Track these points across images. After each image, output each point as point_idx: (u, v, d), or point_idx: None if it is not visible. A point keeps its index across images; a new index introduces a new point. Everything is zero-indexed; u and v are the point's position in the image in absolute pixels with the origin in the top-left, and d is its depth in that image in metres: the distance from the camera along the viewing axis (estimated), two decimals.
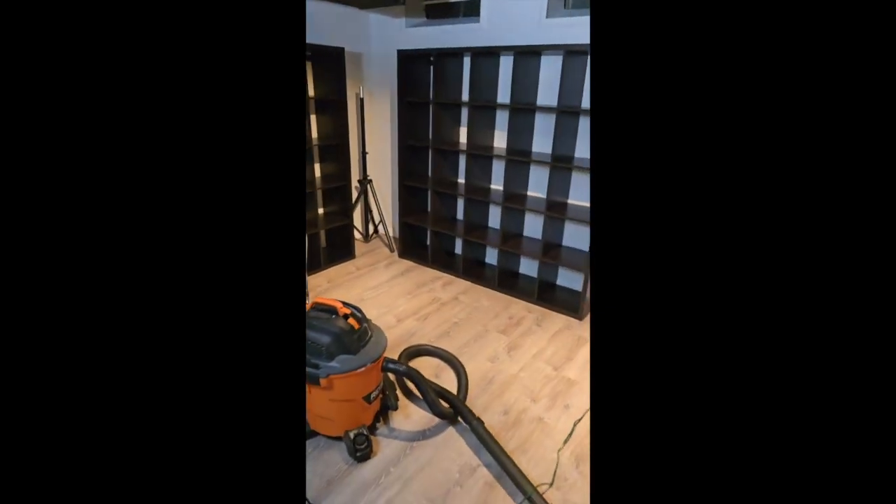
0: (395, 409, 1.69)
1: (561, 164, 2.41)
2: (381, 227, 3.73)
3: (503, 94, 2.78)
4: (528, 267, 3.06)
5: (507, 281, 2.93)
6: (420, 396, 1.90)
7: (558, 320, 2.59)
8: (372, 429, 1.70)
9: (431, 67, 2.94)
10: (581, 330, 2.50)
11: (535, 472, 1.57)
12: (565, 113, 2.41)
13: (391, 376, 1.95)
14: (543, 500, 1.38)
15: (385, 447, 1.65)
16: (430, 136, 3.01)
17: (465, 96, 2.94)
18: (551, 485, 1.53)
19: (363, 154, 3.46)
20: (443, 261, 3.22)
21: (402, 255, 3.39)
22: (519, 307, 2.73)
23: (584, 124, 2.54)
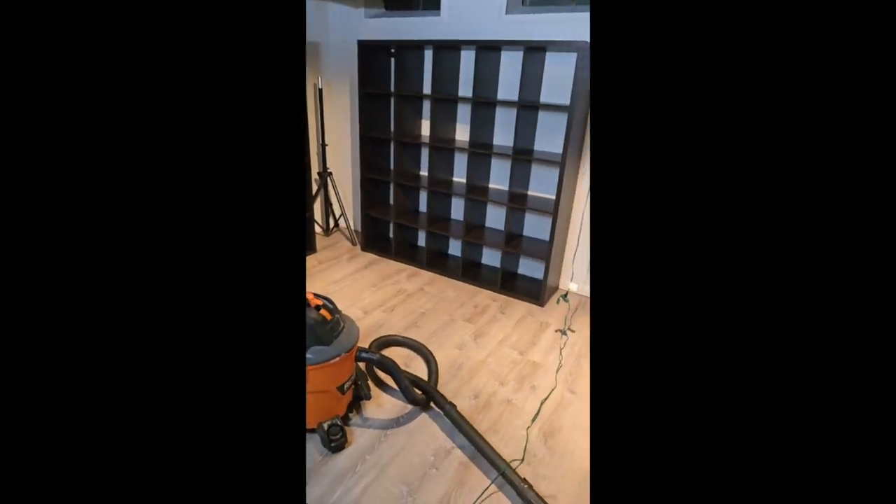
0: (368, 398, 1.70)
1: (521, 156, 2.50)
2: (342, 221, 3.68)
3: (465, 88, 2.83)
4: (491, 257, 3.14)
5: (470, 271, 3.00)
6: (392, 385, 1.92)
7: (521, 307, 2.69)
8: (345, 419, 1.70)
9: (393, 59, 2.93)
10: (543, 316, 2.61)
11: (507, 449, 1.64)
12: (525, 107, 2.49)
13: (362, 366, 1.95)
14: (516, 474, 1.45)
15: (359, 436, 1.66)
16: (392, 129, 3.01)
17: (427, 89, 2.96)
18: (522, 460, 1.60)
19: (322, 146, 3.39)
20: (406, 253, 3.24)
21: (365, 248, 3.37)
22: (483, 296, 2.80)
23: (543, 118, 2.64)
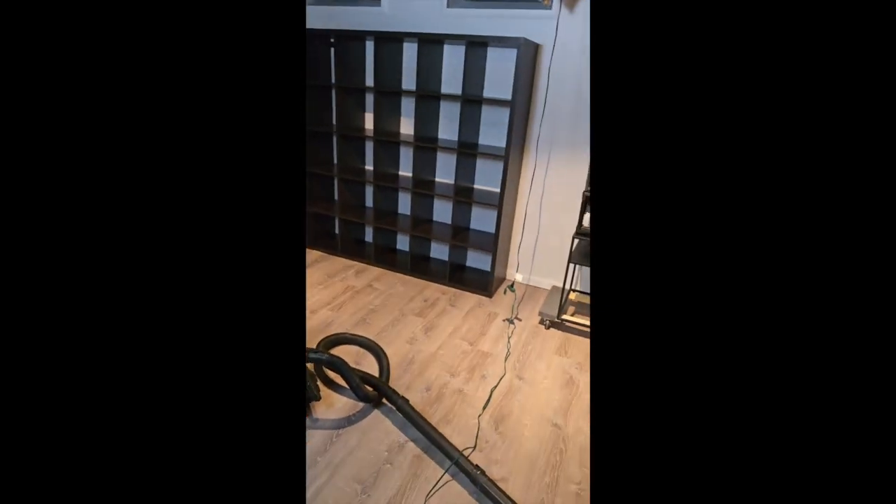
0: (318, 399, 1.66)
1: (466, 150, 2.53)
2: None
3: (408, 81, 2.81)
4: (440, 251, 3.16)
5: (419, 265, 3.00)
6: (343, 384, 1.89)
7: (471, 299, 2.74)
8: None
9: (332, 49, 2.84)
10: (491, 306, 2.68)
11: (460, 438, 1.68)
12: (469, 102, 2.52)
13: (311, 367, 1.90)
14: (469, 461, 1.48)
15: (310, 438, 1.62)
16: (335, 122, 2.93)
17: (370, 81, 2.90)
18: (475, 447, 1.64)
19: None
20: (353, 249, 3.18)
21: (309, 245, 3.26)
22: (433, 290, 2.82)
23: (487, 113, 2.69)
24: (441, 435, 1.57)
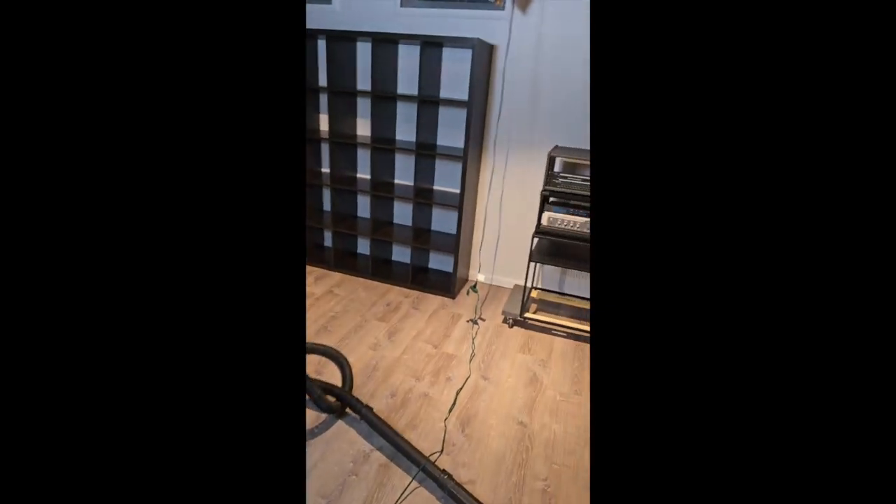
0: None
1: (425, 151, 2.51)
2: None
3: (363, 82, 2.76)
4: (401, 254, 3.13)
5: (381, 269, 2.95)
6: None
7: (434, 301, 2.72)
8: None
9: None
10: (455, 308, 2.67)
11: (426, 443, 1.66)
12: (426, 102, 2.50)
13: None
14: (436, 467, 1.46)
15: None
16: None
17: (323, 82, 2.82)
18: (441, 451, 1.63)
19: None
20: (312, 255, 3.08)
21: None
22: (395, 293, 2.78)
23: (444, 114, 2.68)
24: (407, 442, 1.54)
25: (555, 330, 2.48)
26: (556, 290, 2.86)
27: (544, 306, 2.70)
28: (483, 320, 2.56)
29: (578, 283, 2.80)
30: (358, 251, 3.22)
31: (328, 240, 3.25)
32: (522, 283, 2.91)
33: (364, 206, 3.08)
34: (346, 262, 3.02)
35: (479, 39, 2.20)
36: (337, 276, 2.95)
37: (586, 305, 2.68)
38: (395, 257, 3.15)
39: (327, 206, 3.16)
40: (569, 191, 2.15)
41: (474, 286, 2.94)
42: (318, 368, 2.02)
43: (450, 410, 1.84)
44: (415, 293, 2.80)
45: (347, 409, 1.74)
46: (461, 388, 1.97)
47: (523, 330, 2.50)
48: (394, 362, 2.12)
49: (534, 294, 2.78)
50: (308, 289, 2.74)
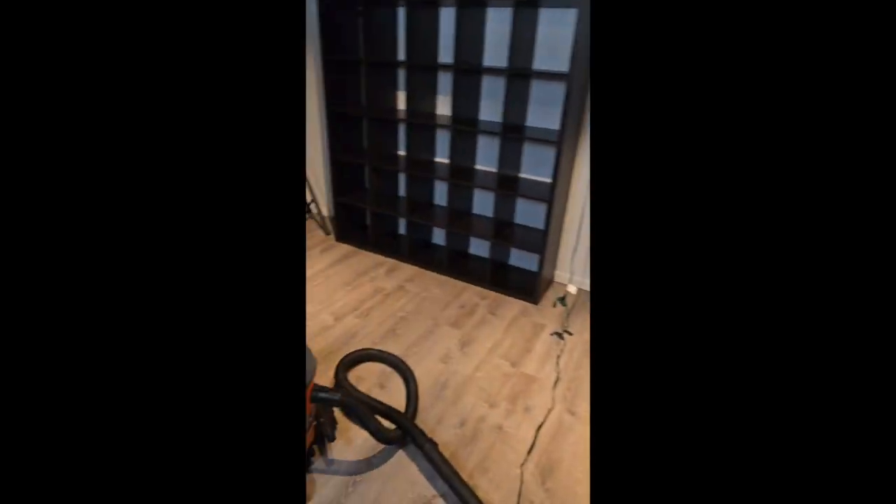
0: (333, 440, 1.43)
1: (512, 134, 2.15)
2: (313, 207, 3.32)
3: (445, 54, 2.43)
4: (479, 247, 2.83)
5: (456, 264, 2.69)
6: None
7: (514, 306, 2.41)
8: (306, 464, 1.43)
9: (360, 19, 2.50)
10: (537, 316, 2.34)
11: (498, 495, 1.39)
12: (516, 76, 2.12)
13: None
14: None
15: (322, 486, 1.39)
16: (364, 103, 2.62)
17: (402, 55, 2.55)
18: None
19: None
20: (385, 244, 2.91)
21: (340, 238, 3.03)
22: (471, 293, 2.51)
23: (538, 89, 2.27)
24: (473, 494, 1.29)
25: None
26: None
27: None
28: (570, 334, 2.20)
29: None
30: (433, 241, 2.98)
31: (402, 228, 3.05)
32: None
33: (441, 194, 2.82)
34: (420, 253, 2.81)
35: None
36: (410, 269, 2.75)
37: None
38: (472, 250, 2.87)
39: (402, 192, 2.94)
40: None
41: (563, 298, 2.54)
42: (382, 381, 1.84)
43: (528, 452, 1.55)
44: (492, 295, 2.51)
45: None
46: (542, 424, 1.67)
47: None
48: (466, 380, 1.87)
49: None
50: (377, 283, 2.57)
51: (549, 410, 1.73)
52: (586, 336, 2.19)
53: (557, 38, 2.13)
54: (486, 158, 2.57)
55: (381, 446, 1.53)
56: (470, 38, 2.20)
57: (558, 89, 2.21)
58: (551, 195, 2.14)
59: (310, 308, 2.31)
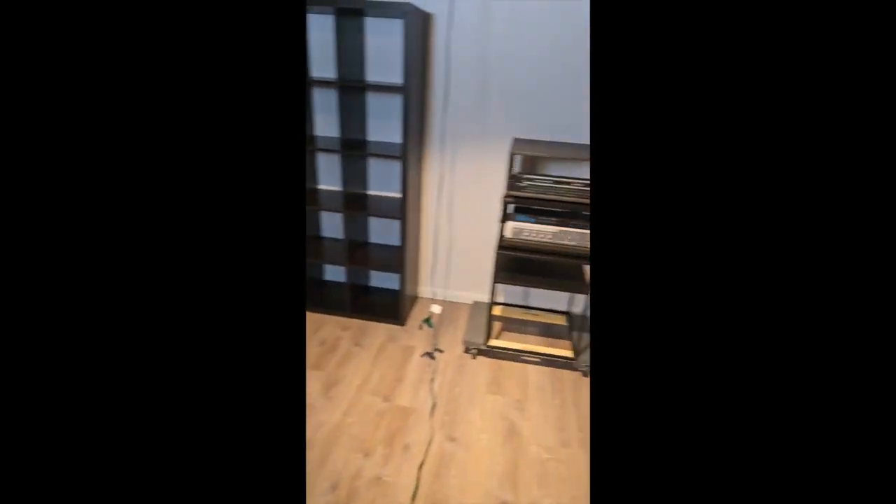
0: None
1: (352, 151, 1.99)
2: None
3: None
4: (335, 273, 2.60)
5: (311, 294, 2.42)
6: None
7: (380, 332, 2.25)
8: None
9: None
10: (405, 338, 2.22)
11: None
12: (348, 88, 1.97)
13: None
14: None
15: None
16: None
17: None
18: None
19: None
20: None
21: None
22: (331, 326, 2.27)
23: (374, 102, 2.15)
24: None
25: (526, 357, 2.11)
26: (521, 304, 2.50)
27: (510, 325, 2.33)
28: (441, 352, 2.14)
29: (546, 294, 2.46)
30: None
31: None
32: (481, 297, 2.52)
33: None
34: None
35: (411, 5, 1.69)
36: None
37: (557, 320, 2.34)
38: (328, 276, 2.62)
39: None
40: (535, 195, 1.75)
41: (428, 319, 2.47)
42: None
43: (412, 499, 1.41)
44: (355, 323, 2.31)
45: None
46: (423, 462, 1.55)
47: (489, 360, 2.11)
48: (334, 431, 1.64)
49: (496, 310, 2.40)
50: None
51: (429, 443, 1.62)
52: (458, 351, 2.16)
53: (387, 49, 2.04)
54: (329, 177, 2.35)
55: None
56: None
57: (395, 102, 2.13)
58: (403, 210, 2.05)
59: None
